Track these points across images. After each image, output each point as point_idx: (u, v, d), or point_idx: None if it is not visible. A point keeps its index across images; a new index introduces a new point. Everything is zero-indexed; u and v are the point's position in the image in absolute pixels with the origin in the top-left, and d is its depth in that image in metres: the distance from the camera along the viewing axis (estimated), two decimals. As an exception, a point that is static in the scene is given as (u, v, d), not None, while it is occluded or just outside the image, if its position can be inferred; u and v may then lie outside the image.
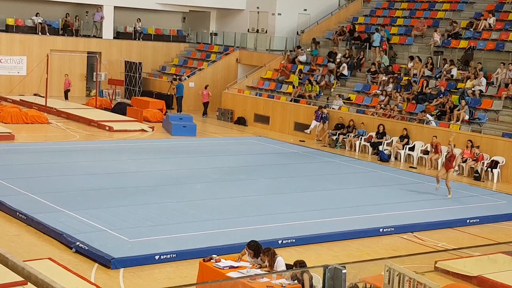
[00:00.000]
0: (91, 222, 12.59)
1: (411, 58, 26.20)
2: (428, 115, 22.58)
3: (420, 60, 25.91)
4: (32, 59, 31.24)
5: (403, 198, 16.62)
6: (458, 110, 22.19)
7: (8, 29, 31.99)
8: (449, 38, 26.81)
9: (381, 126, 22.79)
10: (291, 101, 27.02)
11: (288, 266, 9.74)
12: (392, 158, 22.07)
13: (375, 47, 27.76)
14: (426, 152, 21.62)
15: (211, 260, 9.81)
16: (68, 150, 19.88)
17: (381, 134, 22.74)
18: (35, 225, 12.48)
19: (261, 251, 9.62)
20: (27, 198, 14.04)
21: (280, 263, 9.48)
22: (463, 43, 26.20)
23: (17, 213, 13.00)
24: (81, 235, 11.71)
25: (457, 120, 21.95)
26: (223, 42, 35.09)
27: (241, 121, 28.24)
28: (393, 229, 13.83)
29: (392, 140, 22.69)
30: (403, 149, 22.09)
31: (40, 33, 32.38)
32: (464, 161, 20.50)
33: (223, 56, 33.32)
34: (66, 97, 30.17)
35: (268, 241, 11.25)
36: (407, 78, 25.45)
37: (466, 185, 19.00)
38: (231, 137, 25.27)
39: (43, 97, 27.66)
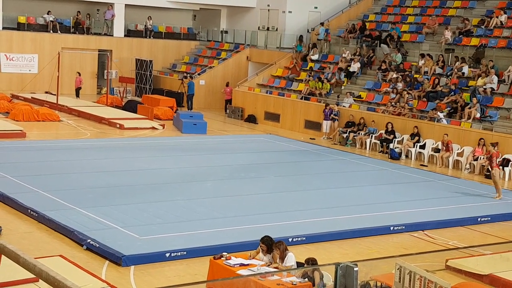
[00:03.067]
0: (102, 220, 12.63)
1: (422, 55, 26.10)
2: (439, 113, 22.49)
3: (431, 57, 25.80)
4: (43, 57, 31.38)
5: (413, 196, 16.56)
6: (470, 108, 22.09)
7: (20, 27, 32.14)
8: (461, 36, 26.69)
9: (390, 124, 22.72)
10: (301, 98, 27.00)
11: (299, 264, 9.74)
12: (403, 156, 22.00)
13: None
14: (437, 150, 21.54)
15: (222, 258, 9.82)
16: (79, 148, 19.96)
17: (389, 132, 22.68)
18: (47, 222, 12.54)
19: (273, 245, 9.67)
20: (38, 195, 14.11)
21: (290, 258, 9.50)
22: (475, 41, 26.07)
23: (29, 210, 13.07)
24: (92, 233, 11.75)
25: (468, 118, 21.85)
26: (233, 40, 35.10)
27: (251, 119, 28.24)
28: (403, 227, 13.79)
29: (402, 138, 22.62)
30: (414, 147, 22.01)
31: (51, 31, 32.50)
32: (476, 159, 20.41)
33: (234, 54, 33.32)
34: (78, 95, 30.20)
35: (279, 239, 11.22)
36: (418, 76, 25.35)
37: (478, 183, 18.91)
38: (242, 135, 25.27)
39: (55, 95, 27.78)
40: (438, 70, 25.23)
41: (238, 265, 9.58)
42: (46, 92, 29.94)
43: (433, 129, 22.11)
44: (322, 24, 31.28)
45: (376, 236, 13.27)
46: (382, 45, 28.00)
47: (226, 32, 36.18)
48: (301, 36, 30.93)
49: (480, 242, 13.38)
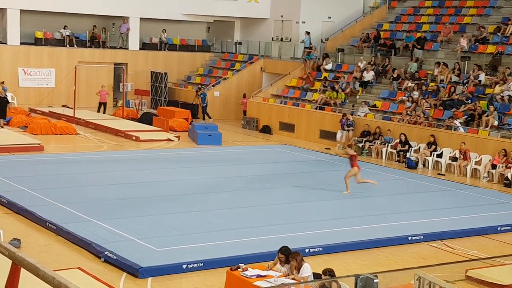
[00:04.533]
0: (119, 232, 12.67)
1: (438, 64, 26.00)
2: (456, 121, 22.36)
3: (447, 66, 25.69)
4: (60, 71, 31.64)
5: (431, 206, 16.44)
6: (487, 116, 21.95)
7: (37, 42, 32.46)
8: (476, 43, 26.57)
9: (403, 135, 22.60)
10: (316, 108, 26.98)
11: (316, 275, 9.70)
12: (420, 165, 21.87)
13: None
14: (454, 158, 21.40)
15: (238, 269, 9.80)
16: (96, 160, 20.06)
17: (404, 143, 22.57)
18: (65, 235, 12.60)
19: (289, 256, 9.66)
20: (56, 208, 14.18)
21: (306, 269, 9.47)
22: (491, 48, 25.94)
23: (47, 223, 13.14)
24: (110, 245, 11.79)
25: (486, 126, 21.71)
26: (247, 51, 35.20)
27: (266, 130, 28.26)
28: (422, 237, 13.69)
29: (419, 147, 22.51)
30: (430, 155, 21.89)
31: (68, 45, 32.79)
32: (494, 168, 20.25)
33: (248, 65, 33.40)
34: (102, 110, 29.60)
35: (295, 250, 11.16)
36: (434, 84, 25.26)
37: (497, 192, 18.74)
38: (257, 146, 25.28)
39: (71, 108, 27.97)
40: (454, 78, 25.11)
41: (255, 277, 9.55)
42: (63, 106, 30.13)
43: (450, 137, 21.98)
44: (308, 33, 31.58)
45: (394, 246, 13.18)
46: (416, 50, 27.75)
47: (240, 43, 36.30)
48: (310, 47, 30.94)
49: (500, 251, 13.23)
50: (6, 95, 26.84)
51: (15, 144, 21.14)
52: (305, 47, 31.46)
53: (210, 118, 29.73)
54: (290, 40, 33.77)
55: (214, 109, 31.61)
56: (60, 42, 32.87)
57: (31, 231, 13.03)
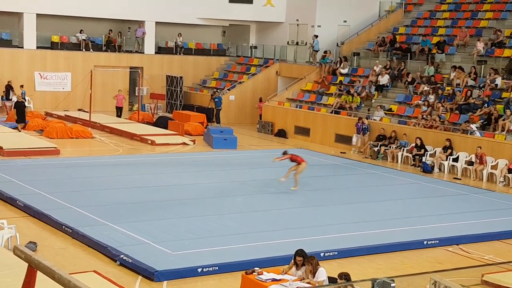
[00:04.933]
0: (135, 235, 12.71)
1: (454, 68, 25.87)
2: (472, 125, 22.22)
3: (463, 70, 25.55)
4: (76, 75, 31.84)
5: (447, 210, 16.35)
6: (503, 120, 21.79)
7: (53, 46, 32.70)
8: (493, 47, 26.41)
9: (418, 139, 22.50)
10: (331, 112, 26.93)
11: (331, 279, 9.67)
12: (436, 169, 21.76)
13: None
14: (470, 163, 21.27)
15: (254, 273, 9.81)
16: (111, 164, 20.15)
17: (419, 147, 22.47)
18: (80, 238, 12.67)
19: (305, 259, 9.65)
20: (72, 211, 14.26)
21: (321, 273, 9.45)
22: (507, 52, 25.77)
23: (63, 227, 13.22)
24: (125, 248, 11.83)
25: (502, 130, 21.56)
26: (263, 55, 35.24)
27: (281, 134, 28.25)
28: (437, 241, 13.62)
29: (435, 151, 22.39)
30: (446, 160, 21.77)
31: (84, 49, 33.00)
32: (510, 172, 20.09)
33: (263, 69, 33.43)
34: (118, 114, 29.77)
35: (310, 254, 11.15)
36: (450, 88, 25.13)
37: (513, 196, 18.61)
38: (272, 150, 25.23)
39: (87, 112, 28.13)
40: (471, 82, 24.96)
41: (270, 280, 9.55)
42: (79, 110, 30.32)
43: (466, 141, 21.85)
44: (316, 36, 31.65)
45: (409, 251, 13.12)
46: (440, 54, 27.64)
47: (255, 47, 36.35)
48: (325, 51, 30.98)
49: (516, 256, 13.12)
50: (24, 99, 27.06)
51: (32, 147, 21.29)
52: (313, 50, 31.62)
53: (218, 123, 29.70)
54: (306, 44, 33.75)
55: (229, 113, 31.67)
56: (76, 46, 33.10)
57: (47, 234, 13.10)
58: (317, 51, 31.59)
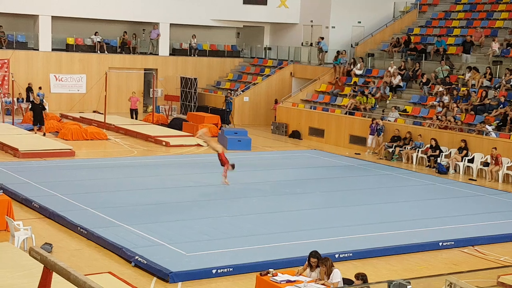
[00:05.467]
0: (150, 237, 12.76)
1: (469, 68, 25.72)
2: (487, 126, 22.08)
3: (478, 70, 25.40)
4: (91, 77, 32.02)
5: (462, 211, 16.26)
6: (519, 120, 21.64)
7: (68, 48, 32.90)
8: (508, 47, 26.23)
9: (433, 140, 22.40)
10: (345, 113, 26.87)
11: (346, 281, 9.65)
12: (451, 170, 21.64)
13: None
14: (486, 164, 21.14)
15: (268, 274, 9.80)
16: (126, 166, 20.23)
17: (434, 148, 22.36)
18: (96, 239, 12.73)
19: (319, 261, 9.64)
20: (87, 213, 14.34)
21: (336, 275, 9.43)
22: (523, 52, 25.59)
23: (78, 228, 13.29)
24: (140, 249, 11.87)
25: (518, 131, 21.42)
26: (277, 56, 35.24)
27: (295, 135, 28.23)
28: (453, 242, 13.55)
29: (450, 152, 22.28)
30: (462, 161, 21.65)
31: (98, 51, 33.17)
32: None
33: (277, 70, 33.42)
34: (133, 116, 29.77)
35: (325, 255, 11.14)
36: (465, 89, 24.99)
37: (529, 198, 18.47)
38: (286, 151, 25.26)
39: (102, 114, 28.26)
40: (486, 83, 24.81)
41: (285, 282, 9.54)
42: (94, 111, 30.48)
43: (481, 142, 21.71)
44: (322, 38, 31.91)
45: (424, 252, 13.06)
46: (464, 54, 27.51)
47: (269, 48, 36.36)
48: (338, 51, 30.97)
49: (533, 257, 13.02)
50: (42, 101, 27.15)
51: (47, 149, 21.42)
52: (319, 51, 31.82)
53: (227, 124, 29.78)
54: (314, 45, 33.67)
55: (243, 114, 31.71)
56: (91, 48, 33.28)
57: (63, 235, 13.18)
58: (326, 51, 31.62)
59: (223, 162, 17.76)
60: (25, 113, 28.68)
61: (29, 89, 30.00)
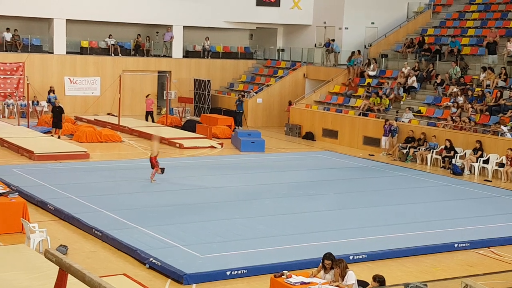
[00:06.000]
0: (164, 238, 12.79)
1: (484, 69, 25.57)
2: (503, 127, 21.94)
3: (493, 70, 25.24)
4: (105, 79, 32.17)
5: (478, 212, 16.16)
6: (535, 121, 21.48)
7: (82, 51, 33.08)
8: (523, 47, 26.05)
9: (448, 141, 22.29)
10: (359, 115, 26.80)
11: (361, 283, 9.62)
12: (466, 171, 21.52)
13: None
14: (501, 164, 20.99)
15: (282, 276, 9.79)
16: (140, 168, 20.27)
17: (449, 149, 22.25)
18: (110, 241, 12.77)
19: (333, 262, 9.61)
20: (102, 215, 14.40)
21: (351, 277, 9.40)
22: (538, 52, 25.39)
23: (93, 230, 13.34)
24: (154, 251, 11.90)
25: (534, 131, 21.26)
26: (290, 57, 35.22)
27: (309, 136, 28.19)
28: (468, 244, 13.46)
29: (465, 153, 22.15)
30: (477, 161, 21.51)
31: (112, 54, 33.32)
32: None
33: (291, 71, 33.40)
34: (147, 119, 29.87)
35: (339, 257, 11.11)
36: (479, 89, 24.84)
37: (545, 199, 18.32)
38: (300, 152, 25.22)
39: (116, 116, 28.38)
40: (501, 83, 24.65)
41: (299, 284, 9.53)
42: (108, 114, 30.61)
43: (496, 143, 21.57)
44: (333, 40, 32.24)
45: (439, 254, 12.99)
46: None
47: (282, 50, 36.35)
48: (353, 52, 30.94)
49: (549, 259, 12.92)
50: (51, 103, 27.20)
51: (62, 152, 21.54)
52: (327, 52, 32.05)
53: (239, 126, 29.78)
54: (324, 46, 33.62)
55: (256, 116, 31.71)
56: (105, 51, 33.44)
57: (78, 237, 13.24)
58: (338, 52, 31.60)
59: (153, 165, 18.09)
60: (40, 116, 28.87)
61: (50, 92, 30.33)
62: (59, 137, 24.62)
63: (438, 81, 26.35)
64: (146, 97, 30.82)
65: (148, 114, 30.08)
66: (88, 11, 32.09)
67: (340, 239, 13.24)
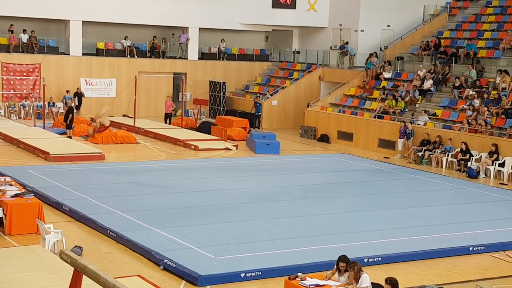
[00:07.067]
0: (178, 240, 12.82)
1: (500, 72, 25.40)
2: (519, 130, 21.79)
3: (508, 73, 25.07)
4: (121, 81, 32.32)
5: (493, 216, 16.06)
6: (552, 124, 21.30)
7: (98, 53, 33.26)
8: (540, 50, 25.85)
9: (463, 144, 22.17)
10: (375, 117, 26.72)
11: (375, 285, 9.59)
12: (482, 175, 21.38)
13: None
14: (517, 168, 20.84)
15: (297, 279, 9.79)
16: (155, 169, 20.37)
17: (465, 152, 22.12)
18: (125, 242, 12.83)
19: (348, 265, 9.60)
20: (117, 216, 14.46)
21: (365, 280, 9.37)
22: (556, 55, 25.19)
23: (108, 231, 13.41)
24: (169, 253, 11.94)
25: (551, 135, 21.08)
26: (305, 60, 35.20)
27: (324, 138, 28.15)
28: (483, 247, 13.38)
29: (480, 156, 22.01)
30: (492, 165, 21.37)
31: (128, 55, 33.47)
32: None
33: (306, 74, 33.38)
34: (167, 121, 29.92)
35: (354, 259, 11.08)
36: (495, 92, 24.68)
37: (562, 203, 18.16)
38: (315, 155, 25.19)
39: (132, 117, 28.49)
40: (517, 86, 24.46)
41: (313, 286, 9.52)
42: (124, 115, 30.74)
43: (513, 146, 21.42)
44: (347, 43, 32.41)
45: (454, 257, 12.92)
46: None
47: (298, 52, 36.32)
48: (371, 54, 30.87)
49: None
50: (65, 104, 27.31)
51: (77, 153, 21.66)
52: (342, 55, 32.19)
53: (256, 128, 29.79)
54: (343, 47, 33.55)
55: (272, 118, 31.71)
56: (121, 53, 33.59)
57: (93, 238, 13.31)
58: (354, 55, 31.57)
59: (99, 130, 19.18)
60: (56, 117, 29.05)
61: (76, 94, 30.58)
62: (70, 137, 24.74)
63: (457, 84, 26.16)
64: (166, 99, 30.88)
65: (167, 117, 30.14)
66: (104, 12, 32.28)
67: (354, 241, 13.21)
